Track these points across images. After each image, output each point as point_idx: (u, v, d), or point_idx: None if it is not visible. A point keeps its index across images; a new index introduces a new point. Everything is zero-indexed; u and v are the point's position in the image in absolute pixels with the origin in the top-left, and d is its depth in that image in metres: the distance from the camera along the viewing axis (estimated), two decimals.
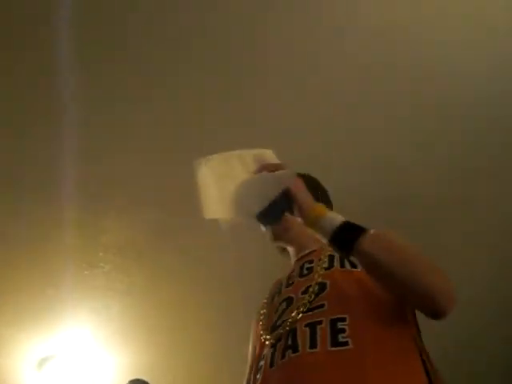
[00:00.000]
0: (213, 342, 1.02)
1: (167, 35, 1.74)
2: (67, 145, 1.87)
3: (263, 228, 1.15)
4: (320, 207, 0.98)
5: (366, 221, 0.95)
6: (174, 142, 1.99)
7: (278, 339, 0.98)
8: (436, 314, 0.86)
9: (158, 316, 2.59)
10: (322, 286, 1.02)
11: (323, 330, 0.91)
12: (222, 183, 1.06)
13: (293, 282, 1.12)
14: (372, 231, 0.91)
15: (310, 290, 1.03)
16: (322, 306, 0.97)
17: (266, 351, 1.00)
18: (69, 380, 2.89)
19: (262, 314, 1.14)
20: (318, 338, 0.90)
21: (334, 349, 0.87)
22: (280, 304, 1.07)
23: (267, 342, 1.02)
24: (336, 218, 0.94)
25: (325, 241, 0.95)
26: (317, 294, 1.00)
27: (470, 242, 2.37)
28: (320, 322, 0.93)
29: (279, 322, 1.02)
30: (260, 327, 1.10)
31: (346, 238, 0.91)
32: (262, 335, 1.06)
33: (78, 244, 2.21)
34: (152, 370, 2.86)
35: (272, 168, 1.04)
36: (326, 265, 1.07)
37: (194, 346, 2.57)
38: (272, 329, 1.03)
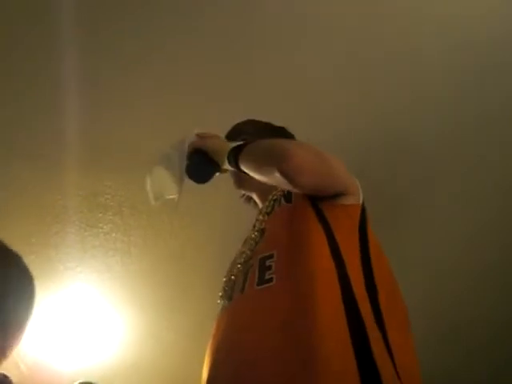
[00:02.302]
0: (217, 295, 1.06)
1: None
2: (64, 107, 1.84)
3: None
4: (222, 145, 1.11)
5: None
6: (173, 104, 1.96)
7: (226, 294, 1.02)
8: (292, 183, 0.92)
9: (160, 273, 2.63)
10: (262, 233, 1.04)
11: (253, 273, 0.93)
12: (158, 169, 1.16)
13: (247, 237, 1.15)
14: (249, 143, 1.03)
15: (252, 238, 1.06)
16: (258, 249, 1.00)
17: (219, 307, 1.03)
18: (73, 334, 2.97)
19: (224, 276, 1.15)
20: (248, 280, 0.93)
21: (259, 287, 0.89)
22: (236, 260, 1.10)
23: (220, 301, 1.06)
24: (231, 145, 1.07)
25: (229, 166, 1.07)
26: (258, 242, 1.02)
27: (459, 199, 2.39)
28: (252, 265, 0.96)
29: (230, 277, 1.05)
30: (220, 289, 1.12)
31: (233, 159, 1.04)
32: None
33: (76, 205, 2.22)
34: (156, 326, 2.95)
35: (179, 142, 1.17)
36: (268, 209, 1.09)
37: (198, 300, 2.64)
38: (226, 286, 1.07)
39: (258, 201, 1.24)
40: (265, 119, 1.33)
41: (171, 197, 1.13)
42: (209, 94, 1.93)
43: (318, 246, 0.93)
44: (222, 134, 1.26)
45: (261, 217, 1.10)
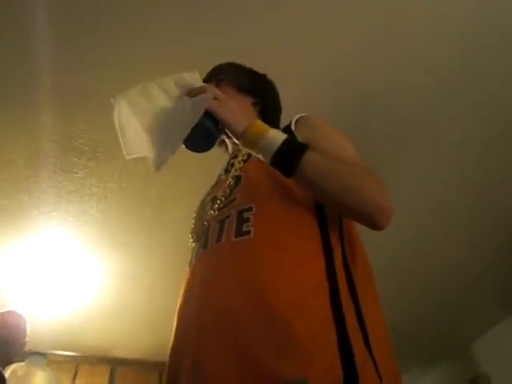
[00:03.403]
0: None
1: None
2: (38, 48, 1.76)
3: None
4: (254, 126, 0.92)
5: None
6: (152, 46, 1.89)
7: (199, 239, 1.00)
8: (373, 227, 0.86)
9: (137, 217, 2.64)
10: (238, 180, 1.01)
11: (230, 223, 0.91)
12: (142, 117, 0.96)
13: (219, 181, 1.12)
14: (309, 152, 0.88)
15: (226, 184, 1.02)
16: (235, 199, 0.96)
17: (191, 252, 1.02)
18: (50, 279, 3.00)
19: (193, 218, 1.13)
20: (224, 232, 0.91)
21: (236, 239, 0.88)
22: (207, 204, 1.07)
23: (191, 244, 1.05)
24: (274, 138, 0.89)
25: (264, 160, 0.90)
26: (232, 188, 1.00)
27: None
28: (229, 216, 0.93)
29: (202, 222, 1.03)
30: (190, 230, 1.10)
31: (286, 162, 0.88)
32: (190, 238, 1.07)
33: (50, 149, 2.17)
34: (133, 269, 3.00)
35: (194, 92, 0.95)
36: (245, 157, 1.05)
37: (174, 242, 2.67)
38: (197, 229, 1.04)
39: (230, 145, 1.20)
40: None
41: (155, 157, 0.94)
42: (192, 44, 1.87)
43: (305, 205, 0.92)
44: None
45: (236, 162, 1.06)
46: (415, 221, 2.73)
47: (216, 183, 1.14)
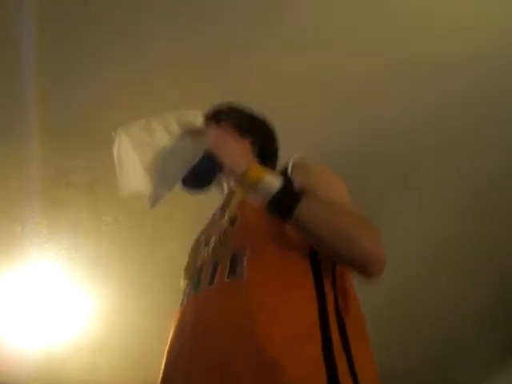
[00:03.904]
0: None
1: None
2: (39, 86, 1.78)
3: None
4: (253, 170, 0.91)
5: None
6: (146, 83, 1.92)
7: (191, 279, 0.99)
8: (366, 276, 0.86)
9: (129, 254, 2.61)
10: (233, 221, 1.00)
11: (223, 265, 0.91)
12: (141, 152, 0.96)
13: (214, 221, 1.12)
14: (306, 199, 0.87)
15: (222, 225, 1.02)
16: (229, 241, 0.96)
17: (183, 293, 1.02)
18: (38, 311, 2.93)
19: (188, 256, 1.12)
20: (217, 274, 0.90)
21: (229, 282, 0.87)
22: (201, 244, 1.07)
23: (183, 284, 1.04)
24: (272, 182, 0.89)
25: (261, 204, 0.90)
26: (227, 230, 0.99)
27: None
28: (223, 257, 0.93)
29: (196, 262, 1.02)
30: (184, 269, 1.10)
31: (283, 208, 0.87)
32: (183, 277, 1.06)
33: (46, 182, 2.16)
34: (123, 306, 2.94)
35: (195, 133, 0.96)
36: (241, 198, 1.04)
37: (165, 281, 2.62)
38: (191, 269, 1.04)
39: (227, 185, 1.19)
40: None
41: (151, 193, 0.93)
42: (184, 78, 1.90)
43: (299, 250, 0.92)
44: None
45: (232, 203, 1.06)
46: (419, 258, 2.70)
47: (211, 223, 1.13)
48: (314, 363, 0.76)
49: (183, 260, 1.14)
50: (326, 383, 0.73)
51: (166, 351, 0.92)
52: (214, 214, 1.15)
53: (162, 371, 0.90)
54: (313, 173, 1.02)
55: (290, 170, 1.02)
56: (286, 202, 0.87)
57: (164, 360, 0.91)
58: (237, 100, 1.31)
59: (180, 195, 1.07)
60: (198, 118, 1.01)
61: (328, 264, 0.92)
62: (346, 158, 2.10)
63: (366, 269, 0.85)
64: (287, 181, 0.93)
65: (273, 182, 0.89)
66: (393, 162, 2.23)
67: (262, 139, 1.24)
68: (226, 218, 1.03)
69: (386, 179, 2.30)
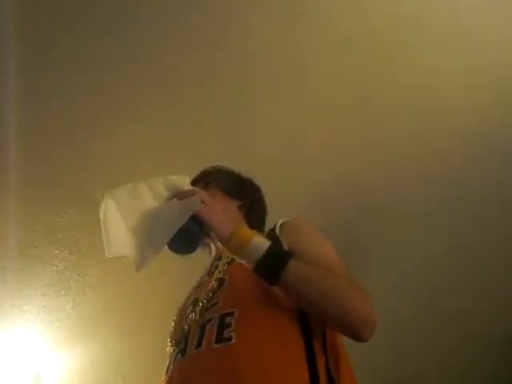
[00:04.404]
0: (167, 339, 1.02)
1: None
2: (28, 143, 1.81)
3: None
4: (239, 233, 0.91)
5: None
6: (129, 145, 1.96)
7: (178, 344, 0.97)
8: (356, 339, 0.85)
9: (111, 319, 2.53)
10: (221, 283, 1.00)
11: (211, 328, 0.89)
12: (128, 215, 0.96)
13: (201, 283, 1.10)
14: (293, 262, 0.87)
15: (209, 287, 1.01)
16: (217, 303, 0.95)
17: (169, 358, 0.99)
18: (14, 379, 2.79)
19: (174, 321, 1.10)
20: (205, 337, 0.89)
21: (217, 346, 0.86)
22: (188, 306, 1.05)
23: (168, 349, 1.01)
24: (258, 245, 0.89)
25: (248, 266, 0.90)
26: (215, 292, 0.99)
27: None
28: (210, 320, 0.91)
29: (183, 326, 1.00)
30: (169, 334, 1.07)
31: (270, 271, 0.87)
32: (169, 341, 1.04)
33: (31, 240, 2.13)
34: (99, 375, 2.80)
35: (182, 195, 0.96)
36: (229, 259, 1.04)
37: (148, 350, 2.54)
38: (177, 333, 1.02)
39: (214, 247, 1.16)
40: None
41: (137, 257, 0.91)
42: (179, 147, 1.95)
43: (288, 312, 0.91)
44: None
45: (220, 265, 1.05)
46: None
47: (198, 285, 1.12)
48: None
49: (168, 326, 1.10)
50: None
51: None
52: (203, 277, 1.14)
53: None
54: (300, 230, 1.02)
55: (277, 230, 1.03)
56: (272, 265, 0.87)
57: None
58: (228, 162, 1.33)
59: (163, 259, 1.06)
60: (184, 182, 1.02)
61: (318, 326, 0.91)
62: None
63: (355, 331, 0.84)
64: (274, 243, 0.93)
65: (260, 244, 0.89)
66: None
67: (249, 203, 1.26)
68: (214, 279, 1.02)
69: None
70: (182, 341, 0.95)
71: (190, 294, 1.11)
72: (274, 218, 1.11)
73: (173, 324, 1.08)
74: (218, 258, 1.11)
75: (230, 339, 0.85)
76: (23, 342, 2.59)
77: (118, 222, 0.95)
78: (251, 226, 1.00)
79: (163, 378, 0.95)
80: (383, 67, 1.86)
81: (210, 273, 1.09)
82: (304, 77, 1.86)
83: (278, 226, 1.04)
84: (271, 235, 1.02)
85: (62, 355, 2.69)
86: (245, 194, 1.26)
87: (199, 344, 0.88)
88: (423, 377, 2.91)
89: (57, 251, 2.22)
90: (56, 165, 1.97)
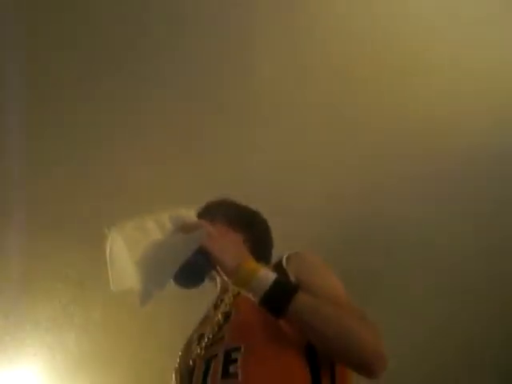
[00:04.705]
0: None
1: None
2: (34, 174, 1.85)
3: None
4: (245, 266, 0.90)
5: None
6: (135, 177, 1.98)
7: (183, 380, 0.96)
8: (367, 375, 0.82)
9: (114, 358, 2.49)
10: (227, 316, 0.98)
11: (217, 363, 0.88)
12: (133, 249, 0.94)
13: (207, 317, 1.09)
14: (300, 296, 0.85)
15: (215, 321, 1.00)
16: (223, 337, 0.93)
17: None
18: None
19: (179, 357, 1.08)
20: (210, 374, 0.87)
21: (222, 381, 0.84)
22: (194, 341, 1.04)
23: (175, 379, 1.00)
24: (265, 278, 0.87)
25: (254, 300, 0.88)
26: (221, 326, 0.97)
27: None
28: (216, 355, 0.90)
29: (188, 361, 0.99)
30: (174, 370, 1.06)
31: (276, 304, 0.85)
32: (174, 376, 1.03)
33: (35, 273, 2.14)
34: None
35: (188, 229, 0.96)
36: (235, 292, 1.02)
37: (153, 381, 2.48)
38: (182, 369, 1.01)
39: (220, 281, 1.17)
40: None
41: (142, 292, 0.90)
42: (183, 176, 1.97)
43: (296, 347, 0.88)
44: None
45: (227, 298, 1.04)
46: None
47: (204, 319, 1.10)
48: None
49: (173, 362, 1.08)
50: None
51: None
52: (208, 311, 1.13)
53: None
54: (307, 263, 1.01)
55: (284, 262, 1.02)
56: (279, 298, 0.85)
57: None
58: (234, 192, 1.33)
59: (167, 297, 1.06)
60: (190, 216, 1.02)
61: (326, 361, 0.88)
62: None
63: (365, 367, 0.81)
64: (281, 276, 0.92)
65: (266, 277, 0.88)
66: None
67: (254, 236, 1.24)
68: (220, 312, 1.01)
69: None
70: (187, 377, 0.94)
71: (196, 329, 1.10)
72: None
73: (178, 360, 1.06)
74: (225, 291, 1.09)
75: (235, 376, 0.84)
76: (23, 377, 2.55)
77: (124, 255, 0.95)
78: (257, 259, 0.99)
79: None
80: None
81: (216, 306, 1.08)
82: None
83: (284, 259, 1.03)
84: (278, 268, 1.01)
85: None
86: (250, 227, 1.25)
87: (204, 381, 0.87)
88: None
89: (61, 285, 2.22)
90: (62, 200, 1.99)
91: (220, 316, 1.00)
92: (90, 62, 1.74)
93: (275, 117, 1.91)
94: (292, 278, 0.96)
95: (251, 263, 0.92)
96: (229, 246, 0.96)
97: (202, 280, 0.98)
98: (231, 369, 0.85)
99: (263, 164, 1.98)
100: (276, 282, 0.86)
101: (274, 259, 1.11)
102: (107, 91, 1.79)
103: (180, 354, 1.08)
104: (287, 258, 1.03)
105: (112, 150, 1.92)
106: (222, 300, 1.07)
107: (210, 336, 0.97)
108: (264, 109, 1.89)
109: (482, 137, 1.96)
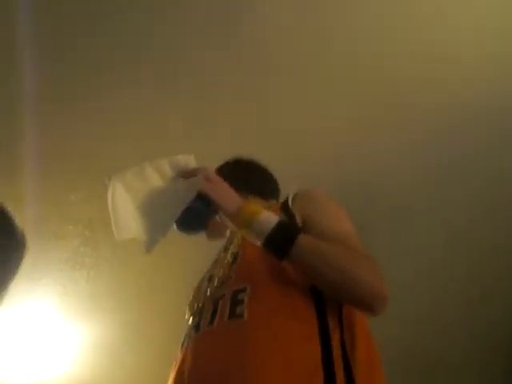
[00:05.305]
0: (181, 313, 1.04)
1: None
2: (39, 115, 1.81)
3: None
4: (246, 209, 0.90)
5: None
6: (153, 123, 1.95)
7: (193, 319, 0.97)
8: (369, 313, 0.85)
9: (128, 292, 2.57)
10: (235, 257, 0.99)
11: (224, 304, 0.89)
12: (135, 197, 0.95)
13: (218, 259, 1.10)
14: (302, 238, 0.86)
15: (224, 262, 1.01)
16: (230, 278, 0.94)
17: (186, 331, 0.99)
18: (30, 348, 2.87)
19: (192, 295, 1.10)
20: (217, 314, 0.88)
21: (229, 322, 0.85)
22: (204, 282, 1.06)
23: (188, 317, 1.02)
24: (267, 221, 0.88)
25: (257, 242, 0.89)
26: (229, 266, 0.98)
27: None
28: (223, 296, 0.91)
29: (198, 302, 1.01)
30: (188, 304, 1.08)
31: (278, 246, 0.86)
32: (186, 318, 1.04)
33: (46, 215, 2.15)
34: (115, 348, 2.88)
35: (188, 174, 0.95)
36: None
37: (164, 323, 2.58)
38: (194, 308, 1.02)
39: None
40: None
41: (146, 238, 0.92)
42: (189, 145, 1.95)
43: (301, 288, 0.89)
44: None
45: (235, 240, 1.05)
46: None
47: (215, 261, 1.12)
48: None
49: (181, 298, 1.11)
50: None
51: None
52: (219, 253, 1.14)
53: None
54: (313, 200, 1.01)
55: (290, 201, 1.01)
56: (281, 240, 0.86)
57: None
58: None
59: (178, 236, 1.08)
60: (190, 161, 1.01)
61: (332, 300, 0.89)
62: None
63: (366, 305, 0.83)
64: (284, 219, 0.92)
65: (268, 219, 0.88)
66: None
67: (254, 187, 1.23)
68: (229, 254, 1.02)
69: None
70: (197, 316, 0.95)
71: (208, 271, 1.12)
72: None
73: (190, 299, 1.09)
74: (234, 233, 1.10)
75: (241, 316, 0.85)
76: (40, 313, 2.66)
77: (126, 204, 0.95)
78: (263, 199, 1.00)
79: (178, 351, 0.95)
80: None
81: (226, 248, 1.09)
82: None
83: (291, 197, 1.03)
84: (284, 206, 1.01)
85: (77, 327, 2.77)
86: (246, 183, 1.22)
87: (212, 321, 0.88)
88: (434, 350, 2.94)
89: (71, 227, 2.25)
90: (71, 138, 1.97)
91: (229, 257, 1.01)
92: None
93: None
94: (298, 217, 0.96)
95: (252, 206, 0.92)
96: (228, 190, 0.96)
97: (203, 226, 0.98)
98: (238, 309, 0.86)
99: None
100: (278, 225, 0.87)
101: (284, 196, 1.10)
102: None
103: (193, 291, 1.10)
104: (294, 196, 1.02)
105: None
106: (231, 242, 1.08)
107: (219, 277, 0.98)
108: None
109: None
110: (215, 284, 0.98)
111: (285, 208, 1.00)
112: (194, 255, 2.12)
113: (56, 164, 2.02)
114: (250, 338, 0.81)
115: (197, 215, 0.94)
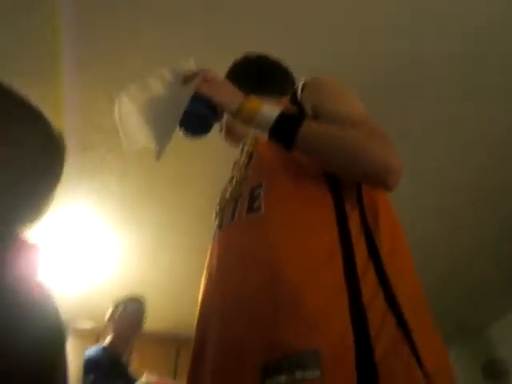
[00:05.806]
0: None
1: None
2: (66, 27, 1.77)
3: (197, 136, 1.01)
4: (247, 104, 0.90)
5: None
6: (174, 34, 1.89)
7: (218, 216, 1.01)
8: (383, 187, 0.84)
9: (158, 194, 2.66)
10: (250, 156, 1.01)
11: (243, 201, 0.91)
12: (140, 107, 0.97)
13: (236, 161, 1.11)
14: (306, 123, 0.86)
15: (241, 162, 1.02)
16: (247, 176, 0.96)
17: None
18: (72, 254, 3.06)
19: (219, 198, 1.11)
20: (237, 210, 0.91)
21: (247, 216, 0.87)
22: (228, 183, 1.07)
23: (214, 222, 1.04)
24: (268, 113, 0.88)
25: (263, 136, 0.89)
26: (246, 166, 1.00)
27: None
28: (242, 194, 0.93)
29: (221, 203, 1.03)
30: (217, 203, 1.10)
31: (283, 136, 0.87)
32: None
33: (72, 126, 2.18)
34: (151, 248, 3.04)
35: (188, 78, 0.94)
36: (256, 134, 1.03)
37: (195, 220, 2.70)
38: (220, 206, 1.05)
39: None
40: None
41: (155, 146, 0.93)
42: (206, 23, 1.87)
43: (315, 175, 0.89)
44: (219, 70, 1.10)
45: (249, 140, 1.06)
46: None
47: (235, 163, 1.13)
48: (334, 288, 0.74)
49: (210, 199, 1.14)
50: (347, 308, 0.72)
51: (201, 287, 0.94)
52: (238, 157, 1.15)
53: (197, 313, 0.91)
54: (322, 90, 0.99)
55: (299, 91, 1.00)
56: (285, 129, 0.87)
57: (199, 301, 0.93)
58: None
59: (203, 140, 1.09)
60: (189, 64, 1.00)
61: (350, 183, 0.89)
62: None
63: (379, 181, 0.82)
64: (287, 109, 0.91)
65: (270, 111, 0.88)
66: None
67: (268, 84, 1.18)
68: (244, 154, 1.04)
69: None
70: (220, 213, 0.99)
71: (232, 169, 1.13)
72: None
73: (218, 200, 1.11)
74: (249, 133, 1.10)
75: (258, 209, 0.86)
76: (78, 220, 2.81)
77: (133, 116, 0.97)
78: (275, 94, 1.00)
79: (210, 245, 1.00)
80: None
81: (242, 149, 1.10)
82: None
83: (300, 86, 1.01)
84: (293, 97, 1.00)
85: (115, 231, 2.92)
86: (262, 79, 1.18)
87: (232, 217, 0.91)
88: None
89: (96, 135, 2.28)
90: (94, 47, 1.94)
91: (244, 157, 1.03)
92: None
93: None
94: (308, 106, 0.95)
95: (253, 100, 0.92)
96: (228, 87, 0.96)
97: (207, 127, 0.98)
98: (255, 204, 0.87)
99: None
100: (280, 115, 0.87)
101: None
102: None
103: (220, 196, 1.12)
104: (303, 85, 1.01)
105: None
106: (245, 144, 1.09)
107: (238, 176, 1.00)
108: None
109: None
110: (235, 183, 1.00)
111: (293, 100, 0.99)
112: (220, 161, 2.13)
113: (81, 72, 2.00)
114: (268, 230, 0.83)
115: (197, 117, 0.94)
